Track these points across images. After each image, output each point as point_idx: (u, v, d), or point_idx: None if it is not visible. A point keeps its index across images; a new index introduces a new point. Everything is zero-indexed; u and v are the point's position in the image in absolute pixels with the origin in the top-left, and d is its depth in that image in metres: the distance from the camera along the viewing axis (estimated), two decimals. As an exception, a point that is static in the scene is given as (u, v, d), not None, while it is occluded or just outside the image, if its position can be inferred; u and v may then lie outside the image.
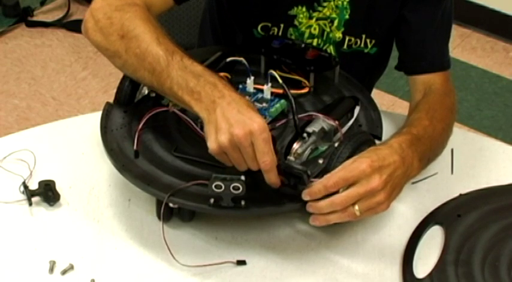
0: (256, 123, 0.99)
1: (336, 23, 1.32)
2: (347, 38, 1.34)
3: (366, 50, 1.36)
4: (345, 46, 1.35)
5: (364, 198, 1.02)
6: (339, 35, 1.33)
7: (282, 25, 1.33)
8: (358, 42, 1.34)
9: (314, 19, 1.32)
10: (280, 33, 1.33)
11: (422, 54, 1.32)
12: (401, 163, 1.05)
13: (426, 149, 1.13)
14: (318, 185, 1.01)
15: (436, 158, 1.20)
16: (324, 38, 1.34)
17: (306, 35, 1.33)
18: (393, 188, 1.04)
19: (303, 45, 1.26)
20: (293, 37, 1.34)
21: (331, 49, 1.35)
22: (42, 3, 3.02)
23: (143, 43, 1.09)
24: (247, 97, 1.20)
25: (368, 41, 1.34)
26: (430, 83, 1.29)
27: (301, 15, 1.31)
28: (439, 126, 1.19)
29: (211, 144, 1.01)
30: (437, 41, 1.33)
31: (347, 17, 1.32)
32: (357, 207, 1.02)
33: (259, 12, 1.33)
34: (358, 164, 1.02)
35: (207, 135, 1.02)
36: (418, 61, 1.32)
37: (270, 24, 1.33)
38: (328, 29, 1.33)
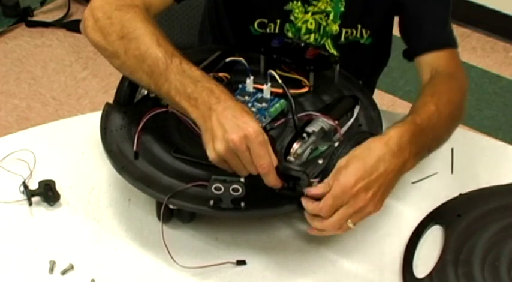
0: (250, 127, 0.98)
1: (331, 16, 1.33)
2: (343, 31, 1.34)
3: (361, 41, 1.36)
4: (342, 38, 1.35)
5: (354, 214, 1.02)
6: (335, 28, 1.34)
7: (278, 21, 1.33)
8: (354, 32, 1.35)
9: (310, 13, 1.32)
10: (276, 30, 1.34)
11: (421, 33, 1.30)
12: (395, 165, 1.04)
13: (427, 140, 1.11)
14: (314, 207, 1.01)
15: (441, 145, 1.17)
16: (321, 32, 1.34)
17: (303, 30, 1.34)
18: (383, 193, 1.04)
19: (302, 44, 1.26)
20: (290, 33, 1.34)
21: (328, 43, 1.35)
22: (42, 3, 3.02)
23: (143, 45, 1.08)
24: (246, 97, 1.20)
25: (363, 31, 1.35)
26: (435, 64, 1.26)
27: (297, 10, 1.32)
28: (445, 111, 1.15)
29: (210, 154, 1.01)
30: (435, 19, 1.31)
31: (342, 9, 1.32)
32: (349, 221, 1.02)
33: (255, 9, 1.34)
34: (342, 188, 1.00)
35: (205, 144, 1.02)
36: (419, 41, 1.30)
37: (266, 21, 1.34)
38: (324, 23, 1.33)
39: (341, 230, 1.03)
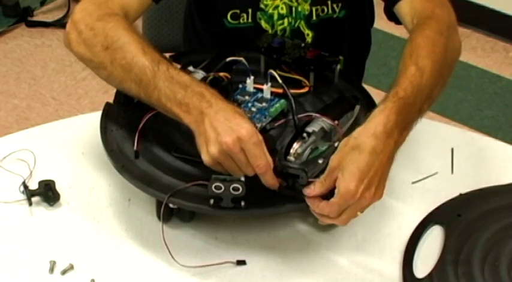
0: (243, 128, 0.99)
1: None
2: (314, 9, 1.35)
3: (334, 16, 1.36)
4: (314, 17, 1.36)
5: (363, 208, 1.02)
6: (306, 7, 1.34)
7: (249, 10, 1.35)
8: (325, 9, 1.35)
9: None
10: (249, 19, 1.35)
11: None
12: (388, 154, 1.02)
13: (415, 106, 1.07)
14: (321, 211, 1.01)
15: (437, 97, 1.13)
16: (294, 15, 1.35)
17: (275, 16, 1.35)
18: (383, 181, 1.02)
19: (302, 45, 1.26)
20: (262, 21, 1.35)
21: (302, 25, 1.36)
22: (42, 3, 3.02)
23: (128, 54, 1.08)
24: (246, 97, 1.20)
25: (335, 6, 1.35)
26: (412, 12, 1.22)
27: None
28: (427, 64, 1.10)
29: (204, 157, 1.01)
30: None
31: None
32: (358, 212, 1.02)
33: (226, 1, 1.35)
34: (345, 195, 0.98)
35: (199, 148, 1.02)
36: None
37: (238, 11, 1.35)
38: (295, 4, 1.34)
39: (351, 219, 1.04)
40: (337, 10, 1.36)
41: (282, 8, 1.34)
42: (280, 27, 1.36)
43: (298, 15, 1.35)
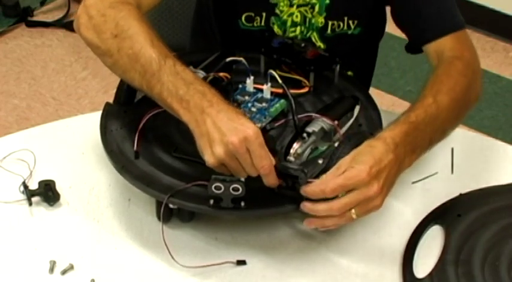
0: (249, 128, 0.98)
1: (316, 8, 1.33)
2: (330, 23, 1.35)
3: (349, 32, 1.36)
4: (329, 31, 1.36)
5: (362, 203, 1.01)
6: (321, 20, 1.34)
7: (264, 14, 1.34)
8: (341, 25, 1.35)
9: (295, 6, 1.33)
10: (262, 23, 1.35)
11: (418, 24, 1.28)
12: (395, 162, 1.04)
13: (425, 134, 1.10)
14: (315, 188, 1.00)
15: (448, 134, 1.17)
16: (307, 25, 1.35)
17: (289, 23, 1.34)
18: (388, 188, 1.04)
19: (302, 45, 1.26)
20: (275, 26, 1.35)
21: (314, 36, 1.36)
22: (42, 3, 3.02)
23: (137, 44, 1.08)
24: (246, 97, 1.20)
25: (351, 22, 1.35)
26: (440, 50, 1.25)
27: (282, 4, 1.33)
28: (445, 100, 1.13)
29: (209, 159, 1.00)
30: (433, 3, 1.28)
31: (327, 1, 1.32)
32: (353, 211, 1.01)
33: (242, 3, 1.35)
34: (357, 172, 1.00)
35: (202, 150, 1.01)
36: (418, 33, 1.29)
37: (253, 14, 1.35)
38: (309, 15, 1.34)
39: (343, 219, 1.02)
40: (352, 27, 1.35)
41: (296, 16, 1.33)
42: (291, 35, 1.36)
43: (311, 27, 1.35)
